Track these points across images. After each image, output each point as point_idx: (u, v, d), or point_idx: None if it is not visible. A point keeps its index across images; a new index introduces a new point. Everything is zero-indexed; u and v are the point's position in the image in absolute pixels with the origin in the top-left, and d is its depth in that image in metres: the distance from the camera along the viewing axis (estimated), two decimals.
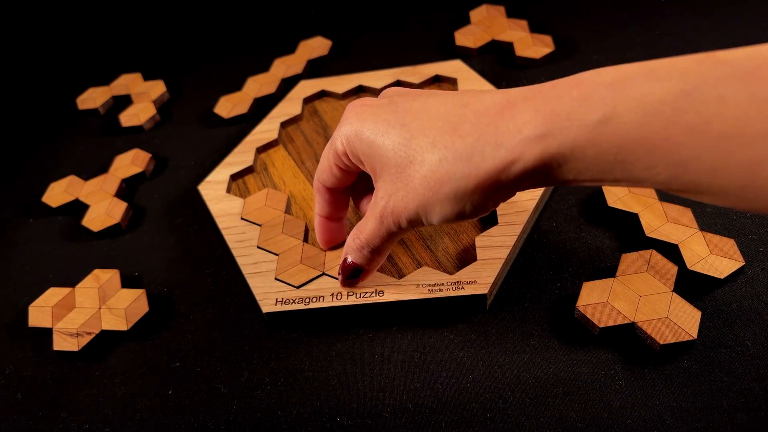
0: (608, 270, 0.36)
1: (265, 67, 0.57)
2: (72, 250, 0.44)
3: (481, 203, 0.27)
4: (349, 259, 0.33)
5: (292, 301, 0.35)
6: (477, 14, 0.57)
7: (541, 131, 0.24)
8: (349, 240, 0.32)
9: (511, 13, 0.57)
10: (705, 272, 0.34)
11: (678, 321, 0.31)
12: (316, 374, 0.34)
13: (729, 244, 0.35)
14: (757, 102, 0.20)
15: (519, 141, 0.25)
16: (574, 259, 0.37)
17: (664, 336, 0.31)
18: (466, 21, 0.57)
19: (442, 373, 0.33)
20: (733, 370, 0.31)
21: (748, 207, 0.22)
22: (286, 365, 0.34)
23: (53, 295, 0.39)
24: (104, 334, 0.37)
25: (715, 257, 0.34)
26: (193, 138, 0.52)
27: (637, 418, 0.30)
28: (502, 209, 0.38)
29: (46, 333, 0.38)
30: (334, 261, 0.37)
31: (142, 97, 0.56)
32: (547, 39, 0.52)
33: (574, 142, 0.24)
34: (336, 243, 0.38)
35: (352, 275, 0.33)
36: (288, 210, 0.42)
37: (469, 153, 0.26)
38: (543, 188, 0.39)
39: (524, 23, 0.54)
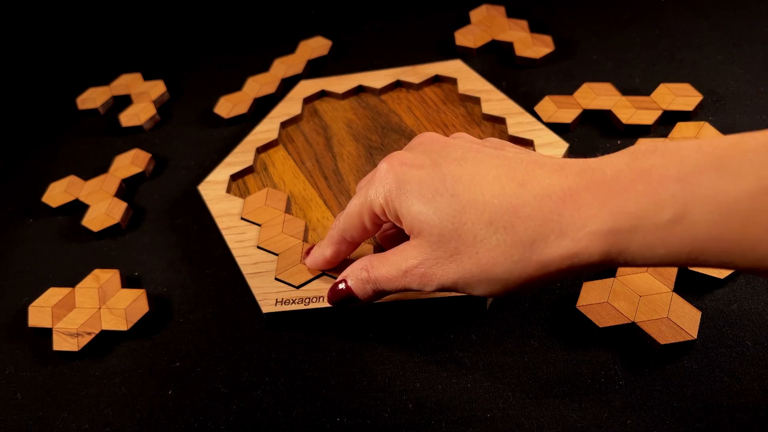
0: (608, 270, 0.36)
1: (265, 67, 0.57)
2: (72, 250, 0.44)
3: (531, 286, 0.27)
4: (348, 284, 0.31)
5: (292, 301, 0.35)
6: (477, 14, 0.57)
7: (608, 228, 0.23)
8: (356, 267, 0.31)
9: (511, 13, 0.57)
10: (705, 272, 0.34)
11: (678, 321, 0.31)
12: (316, 374, 0.34)
13: None
14: None
15: (584, 234, 0.24)
16: None
17: (664, 336, 0.31)
18: (466, 21, 0.57)
19: (442, 373, 0.33)
20: (733, 370, 0.31)
21: None
22: (286, 365, 0.35)
23: (53, 295, 0.39)
24: (104, 334, 0.37)
25: None
26: (193, 138, 0.52)
27: (637, 418, 0.30)
28: None
29: (46, 333, 0.38)
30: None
31: (142, 97, 0.56)
32: (547, 39, 0.52)
33: (643, 240, 0.23)
34: (322, 270, 0.36)
35: (342, 302, 0.32)
36: (288, 209, 0.42)
37: (531, 239, 0.25)
38: None
39: (524, 23, 0.54)
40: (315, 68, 0.57)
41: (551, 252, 0.25)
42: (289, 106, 0.50)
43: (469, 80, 0.49)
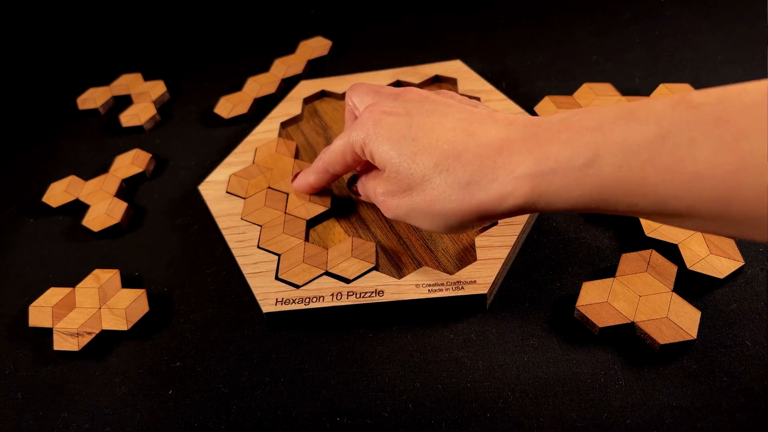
0: (608, 270, 0.36)
1: (265, 68, 0.57)
2: (72, 250, 0.44)
3: (467, 225, 0.30)
4: (357, 189, 0.38)
5: (292, 301, 0.35)
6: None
7: (532, 171, 0.26)
8: (361, 180, 0.37)
9: (507, 17, 0.57)
10: (704, 272, 0.34)
11: (677, 321, 0.31)
12: (316, 374, 0.34)
13: (728, 244, 0.35)
14: (723, 144, 0.21)
15: (512, 178, 0.27)
16: (574, 259, 0.37)
17: (664, 336, 0.31)
18: (466, 22, 0.57)
19: (442, 373, 0.33)
20: (732, 369, 0.31)
21: (729, 234, 0.24)
22: (286, 365, 0.35)
23: (53, 294, 0.39)
24: (104, 333, 0.37)
25: (715, 257, 0.34)
26: (193, 138, 0.52)
27: (637, 418, 0.30)
28: None
29: (47, 333, 0.38)
30: (336, 259, 0.37)
31: (143, 98, 0.56)
32: None
33: (560, 182, 0.26)
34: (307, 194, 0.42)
35: (355, 194, 0.38)
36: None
37: (467, 181, 0.28)
38: None
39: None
40: (315, 68, 0.57)
41: (483, 194, 0.28)
42: (290, 107, 0.50)
43: (469, 80, 0.49)
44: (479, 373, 0.33)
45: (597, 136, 0.25)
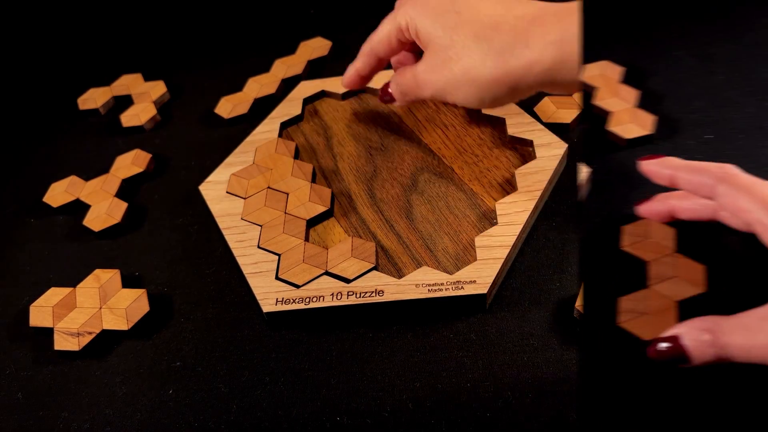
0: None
1: (265, 68, 0.57)
2: (73, 250, 0.44)
3: (499, 96, 0.34)
4: (390, 89, 0.41)
5: (292, 300, 0.35)
6: None
7: (559, 37, 0.30)
8: (395, 78, 0.40)
9: None
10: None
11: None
12: (316, 374, 0.34)
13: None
14: None
15: (542, 44, 0.31)
16: (574, 259, 0.37)
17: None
18: None
19: (442, 373, 0.33)
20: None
21: None
22: (286, 365, 0.35)
23: (54, 294, 0.39)
24: (105, 333, 0.37)
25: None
26: (193, 138, 0.52)
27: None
28: (501, 209, 0.38)
29: (47, 333, 0.38)
30: (336, 260, 0.37)
31: (143, 98, 0.56)
32: None
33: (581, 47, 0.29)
34: (356, 88, 0.47)
35: (386, 99, 0.42)
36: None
37: (503, 48, 0.32)
38: (542, 187, 0.39)
39: None
40: (315, 69, 0.57)
41: (515, 61, 0.32)
42: (290, 107, 0.50)
43: None
44: (479, 373, 0.33)
45: None
